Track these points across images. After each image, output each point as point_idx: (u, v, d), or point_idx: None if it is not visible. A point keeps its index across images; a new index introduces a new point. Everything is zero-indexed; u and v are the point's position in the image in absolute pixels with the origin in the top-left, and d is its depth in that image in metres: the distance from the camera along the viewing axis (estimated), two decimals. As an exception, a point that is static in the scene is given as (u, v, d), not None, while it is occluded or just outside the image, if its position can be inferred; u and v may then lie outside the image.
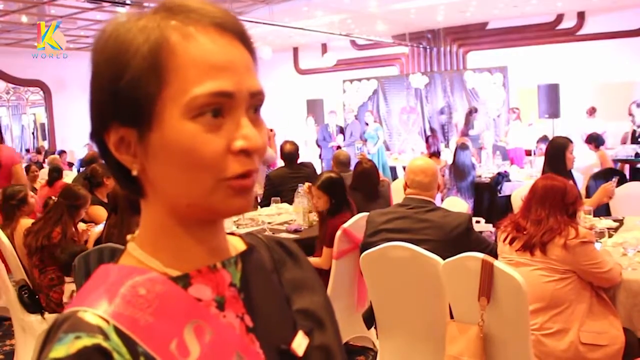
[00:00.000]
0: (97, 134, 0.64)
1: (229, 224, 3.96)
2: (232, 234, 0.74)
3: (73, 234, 3.54)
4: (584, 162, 6.28)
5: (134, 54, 0.60)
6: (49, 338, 0.57)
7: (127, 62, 0.60)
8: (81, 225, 3.94)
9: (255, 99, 0.64)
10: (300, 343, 0.70)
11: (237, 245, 0.73)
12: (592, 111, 9.42)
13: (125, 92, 0.60)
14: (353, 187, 4.64)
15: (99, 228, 3.65)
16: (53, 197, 4.18)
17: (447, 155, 8.00)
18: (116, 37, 0.61)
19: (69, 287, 3.47)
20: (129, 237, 0.68)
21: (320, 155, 10.91)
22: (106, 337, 0.56)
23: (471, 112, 9.91)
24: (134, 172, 0.63)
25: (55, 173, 6.10)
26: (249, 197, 0.64)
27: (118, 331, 0.57)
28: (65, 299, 3.45)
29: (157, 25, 0.60)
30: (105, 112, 0.62)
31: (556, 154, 4.12)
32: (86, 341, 0.55)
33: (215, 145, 0.60)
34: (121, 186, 0.67)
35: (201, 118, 0.59)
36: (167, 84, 0.60)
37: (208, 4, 0.63)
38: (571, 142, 4.26)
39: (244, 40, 0.64)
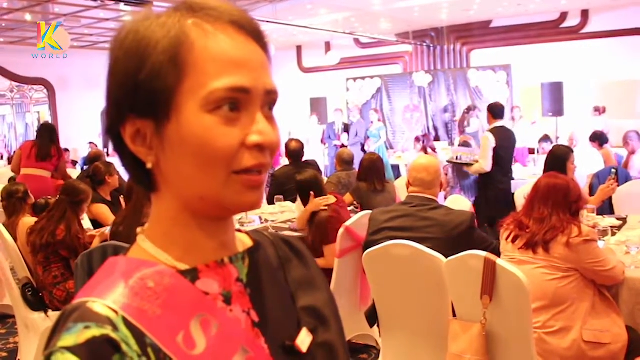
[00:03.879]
0: (114, 128, 0.65)
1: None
2: (239, 230, 0.75)
3: (77, 231, 3.55)
4: (590, 162, 6.25)
5: (155, 47, 0.62)
6: (58, 327, 0.58)
7: (147, 55, 0.62)
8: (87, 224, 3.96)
9: (270, 97, 0.66)
10: (304, 340, 0.70)
11: (244, 241, 0.74)
12: (601, 110, 9.30)
13: (145, 84, 0.62)
14: (360, 178, 4.75)
15: (108, 230, 3.67)
16: (49, 197, 4.23)
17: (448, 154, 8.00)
18: (136, 33, 0.63)
19: None
20: (139, 229, 0.69)
21: (323, 153, 10.91)
22: (115, 328, 0.57)
23: (469, 110, 9.91)
24: (149, 165, 0.65)
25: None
26: (259, 194, 0.65)
27: (127, 322, 0.58)
28: None
29: (177, 21, 0.63)
30: (123, 105, 0.64)
31: (557, 165, 3.99)
32: (95, 331, 0.56)
33: (231, 138, 0.61)
34: (134, 180, 0.68)
35: (218, 111, 0.61)
36: (186, 77, 0.61)
37: (226, 3, 0.65)
38: (572, 151, 4.20)
39: (260, 39, 0.66)
